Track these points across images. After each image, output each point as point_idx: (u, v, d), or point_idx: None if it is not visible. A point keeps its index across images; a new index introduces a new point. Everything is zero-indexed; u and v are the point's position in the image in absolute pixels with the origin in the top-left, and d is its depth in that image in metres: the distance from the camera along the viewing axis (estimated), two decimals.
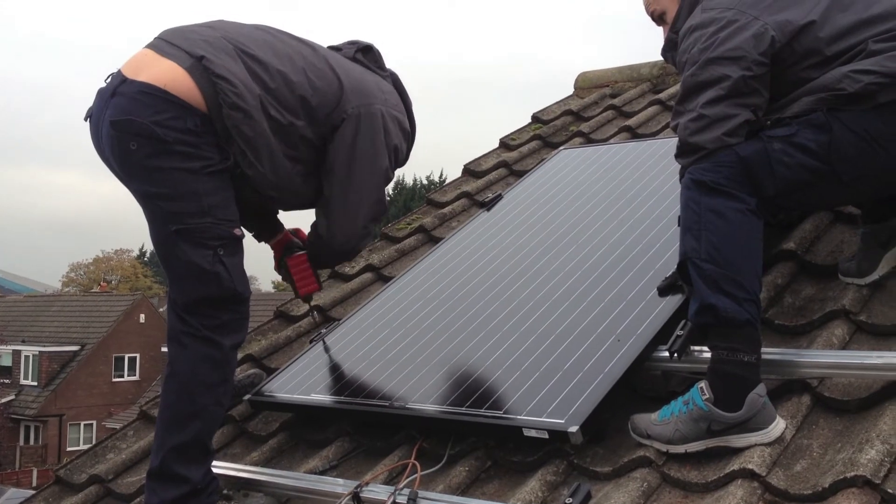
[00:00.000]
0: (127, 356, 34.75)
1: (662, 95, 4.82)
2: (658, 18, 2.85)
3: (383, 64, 3.15)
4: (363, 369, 2.95)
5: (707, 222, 2.30)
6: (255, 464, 2.85)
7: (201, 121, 2.63)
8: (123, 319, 34.73)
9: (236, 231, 2.72)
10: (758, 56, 2.34)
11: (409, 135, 3.12)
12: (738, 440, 2.17)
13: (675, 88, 4.88)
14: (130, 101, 2.61)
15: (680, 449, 2.23)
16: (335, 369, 3.01)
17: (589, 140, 4.60)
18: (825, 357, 2.28)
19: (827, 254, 2.87)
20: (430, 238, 4.11)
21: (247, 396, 3.06)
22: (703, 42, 2.43)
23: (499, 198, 3.94)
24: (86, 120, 2.78)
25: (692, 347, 2.42)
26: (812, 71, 2.34)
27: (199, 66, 2.65)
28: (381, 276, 3.89)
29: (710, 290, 2.24)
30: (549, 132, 4.91)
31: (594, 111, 5.08)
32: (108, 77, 2.75)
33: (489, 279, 3.24)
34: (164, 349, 29.51)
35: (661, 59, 5.22)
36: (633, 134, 4.46)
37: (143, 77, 2.63)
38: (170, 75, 2.63)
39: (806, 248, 2.89)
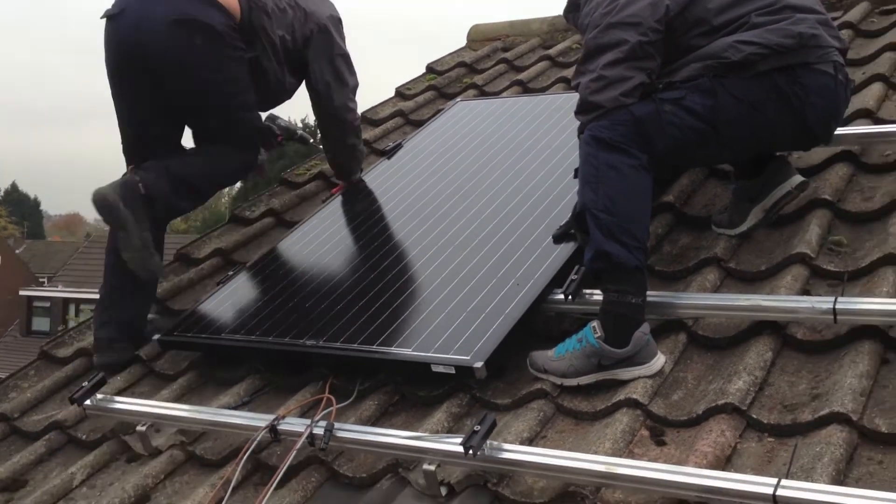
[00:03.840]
0: None
1: (552, 51, 5.03)
2: None
3: None
4: (273, 310, 3.07)
5: (604, 176, 2.52)
6: (166, 401, 2.94)
7: (235, 21, 3.24)
8: None
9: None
10: (654, 23, 2.55)
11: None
12: (624, 373, 2.42)
13: (563, 45, 5.11)
14: (187, 3, 3.14)
15: (573, 382, 2.47)
16: (245, 310, 3.13)
17: (482, 92, 4.78)
18: (699, 299, 2.54)
19: (702, 206, 3.15)
20: (331, 184, 4.22)
21: (155, 336, 3.14)
22: (605, 7, 2.63)
23: (399, 146, 4.09)
24: (107, 19, 3.19)
25: (584, 290, 2.65)
26: (700, 39, 2.58)
27: None
28: (281, 221, 3.99)
29: (604, 237, 2.47)
30: (443, 83, 5.06)
31: (487, 64, 5.26)
32: None
33: (393, 224, 3.40)
34: (22, 292, 28.11)
35: (551, 15, 5.48)
36: (525, 88, 4.66)
37: None
38: None
39: (683, 201, 3.16)
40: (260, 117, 3.62)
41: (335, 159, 3.95)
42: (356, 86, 3.81)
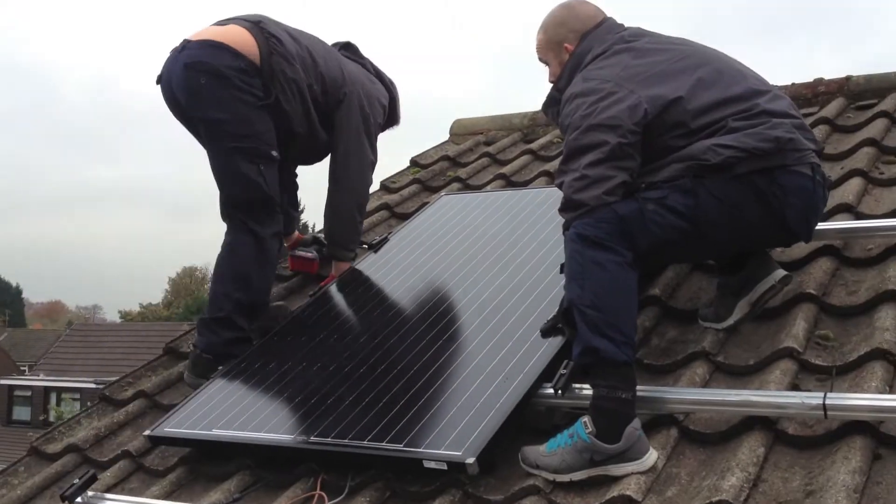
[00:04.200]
0: None
1: (534, 146, 5.13)
2: (544, 63, 3.12)
3: (361, 54, 4.15)
4: (263, 405, 3.07)
5: (590, 273, 2.57)
6: (156, 498, 2.91)
7: (250, 64, 3.50)
8: None
9: (273, 153, 3.61)
10: (632, 125, 2.64)
11: (391, 99, 4.13)
12: (617, 469, 2.42)
13: (545, 139, 5.23)
14: (198, 50, 3.51)
15: (566, 478, 2.47)
16: (235, 405, 3.12)
17: (467, 186, 4.86)
18: (690, 394, 2.56)
19: (687, 299, 3.20)
20: (318, 277, 4.25)
21: (147, 432, 3.13)
22: (585, 109, 2.72)
23: (385, 240, 4.14)
24: (157, 83, 3.63)
25: (574, 385, 2.67)
26: (679, 140, 2.67)
27: (256, 27, 3.59)
28: None
29: (592, 333, 2.50)
30: (427, 176, 5.15)
31: (470, 157, 5.36)
32: (174, 48, 3.59)
33: (382, 318, 3.42)
34: (2, 381, 27.68)
35: (531, 110, 5.61)
36: (508, 181, 4.75)
37: (204, 36, 3.55)
38: (230, 33, 3.55)
39: (669, 294, 3.21)
40: (274, 186, 3.63)
41: (333, 230, 3.99)
42: (373, 163, 3.95)
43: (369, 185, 4.02)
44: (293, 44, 3.68)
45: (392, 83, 4.21)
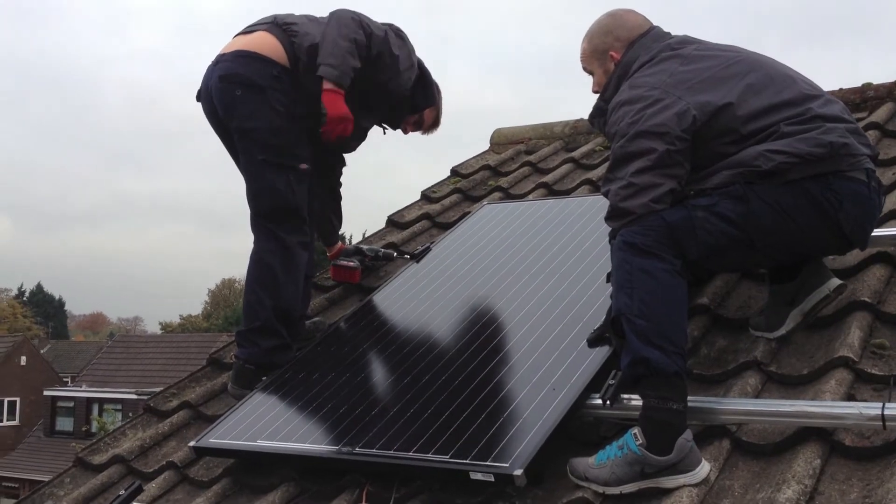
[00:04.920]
0: (7, 400, 33.26)
1: (576, 154, 5.10)
2: (588, 73, 3.09)
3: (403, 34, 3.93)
4: (307, 416, 3.06)
5: (638, 281, 2.53)
6: None
7: (282, 70, 3.56)
8: (3, 362, 33.26)
9: (303, 167, 3.62)
10: (680, 132, 2.59)
11: (423, 76, 3.96)
12: (668, 482, 2.37)
13: (587, 147, 5.19)
14: (231, 62, 3.58)
15: (615, 490, 2.43)
16: (279, 416, 3.11)
17: (508, 195, 4.84)
18: (743, 405, 2.51)
19: (737, 308, 3.14)
20: (360, 288, 4.25)
21: (192, 443, 3.13)
22: (632, 117, 2.68)
23: (427, 250, 4.12)
24: (198, 100, 3.73)
25: (622, 396, 2.63)
26: (729, 147, 2.62)
27: (274, 27, 3.65)
28: None
29: (642, 343, 2.46)
30: (468, 186, 5.13)
31: (511, 166, 5.33)
32: (210, 64, 3.68)
33: (426, 329, 3.40)
34: (46, 392, 28.31)
35: (573, 118, 5.58)
36: (550, 190, 4.72)
37: (235, 47, 3.62)
38: (256, 40, 3.61)
39: (718, 303, 3.16)
40: (302, 198, 3.61)
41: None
42: (382, 36, 3.66)
43: (360, 33, 3.59)
44: (310, 24, 3.68)
45: (423, 63, 3.99)
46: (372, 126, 3.98)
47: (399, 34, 3.82)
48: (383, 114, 3.96)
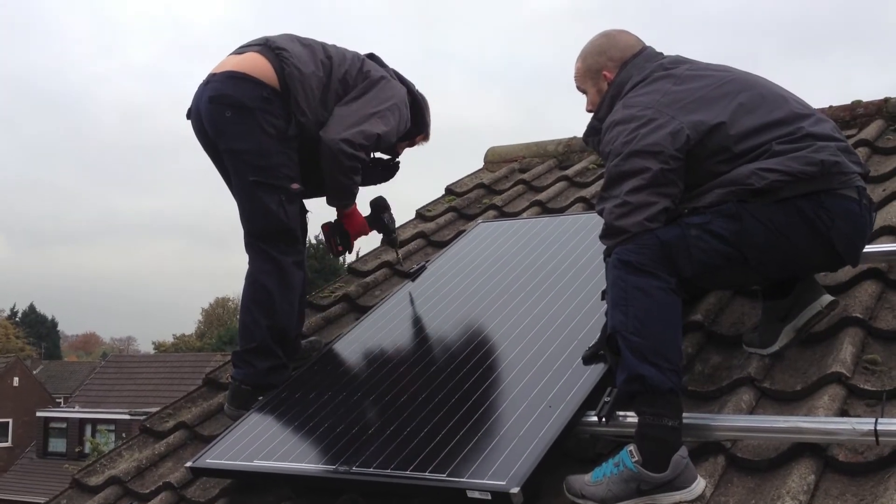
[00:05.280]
0: None
1: (569, 172, 5.13)
2: (582, 92, 3.12)
3: (384, 62, 4.05)
4: (305, 434, 3.06)
5: (633, 299, 2.55)
6: None
7: (272, 92, 3.55)
8: None
9: (294, 186, 3.61)
10: (674, 151, 2.62)
11: (415, 102, 4.01)
12: (664, 498, 2.38)
13: (580, 165, 5.22)
14: (221, 83, 3.57)
15: None
16: (277, 435, 3.12)
17: (502, 213, 4.86)
18: (737, 421, 2.52)
19: (730, 325, 3.16)
20: (355, 307, 4.26)
21: (188, 464, 3.13)
22: (626, 136, 2.71)
23: (423, 268, 4.13)
24: (188, 118, 3.72)
25: (618, 413, 2.64)
26: (722, 165, 2.65)
27: (266, 49, 3.65)
28: None
29: (637, 360, 2.48)
30: (463, 204, 5.15)
31: (505, 185, 5.36)
32: (201, 83, 3.67)
33: (422, 347, 3.42)
34: (39, 413, 28.17)
35: (566, 137, 5.61)
36: (544, 208, 4.75)
37: (226, 68, 3.61)
38: (248, 61, 3.61)
39: (712, 320, 3.18)
40: (294, 219, 3.61)
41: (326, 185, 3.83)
42: (375, 134, 3.69)
43: (358, 153, 3.66)
44: (301, 48, 3.71)
45: (416, 89, 4.08)
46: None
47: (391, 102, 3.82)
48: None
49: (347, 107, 3.73)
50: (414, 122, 4.01)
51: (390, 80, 3.90)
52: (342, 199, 3.81)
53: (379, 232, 4.11)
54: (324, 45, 3.83)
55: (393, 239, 4.20)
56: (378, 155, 4.06)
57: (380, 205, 4.07)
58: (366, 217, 4.00)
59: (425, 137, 4.20)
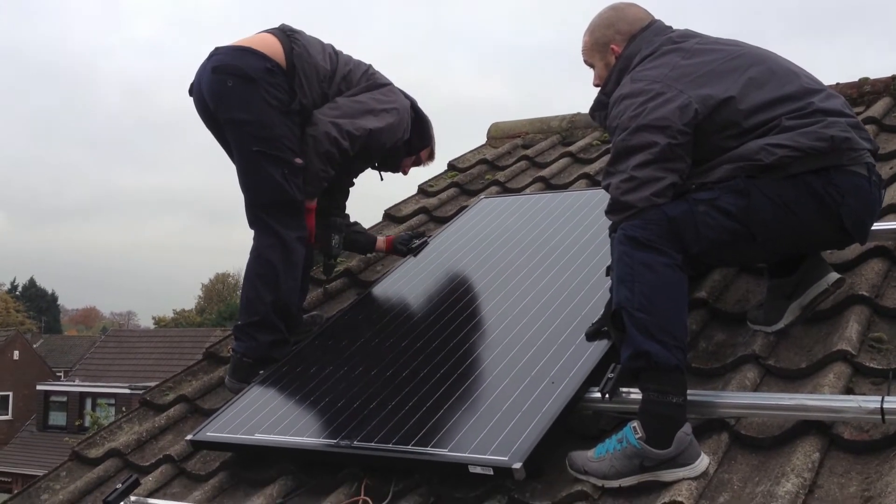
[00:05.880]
0: None
1: (573, 148, 5.09)
2: (589, 66, 3.08)
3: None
4: (305, 409, 3.05)
5: (639, 275, 2.53)
6: (198, 503, 2.90)
7: (276, 66, 3.54)
8: None
9: (297, 160, 3.58)
10: (682, 126, 2.59)
11: (416, 115, 3.97)
12: (667, 475, 2.37)
13: (584, 141, 5.18)
14: (226, 55, 3.58)
15: (614, 483, 2.43)
16: (278, 408, 3.10)
17: (505, 189, 4.83)
18: (742, 399, 2.51)
19: (735, 302, 3.14)
20: (357, 282, 4.24)
21: (189, 437, 3.12)
22: (633, 110, 2.67)
23: (425, 243, 4.11)
24: (190, 94, 3.69)
25: (621, 389, 2.63)
26: (730, 140, 2.61)
27: (279, 31, 3.67)
28: None
29: (643, 336, 2.46)
30: (465, 180, 5.12)
31: (508, 160, 5.33)
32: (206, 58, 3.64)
33: (424, 322, 3.40)
34: (39, 387, 28.23)
35: (570, 112, 5.57)
36: (547, 184, 4.71)
37: (233, 43, 3.62)
38: (256, 39, 3.63)
39: (716, 297, 3.16)
40: (299, 191, 3.56)
41: None
42: (367, 129, 3.66)
43: (341, 141, 3.63)
44: (312, 38, 3.73)
45: (418, 105, 4.03)
46: (364, 170, 4.04)
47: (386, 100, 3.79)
48: (379, 162, 3.99)
49: (347, 98, 3.73)
50: (418, 136, 3.98)
51: (394, 88, 3.90)
52: (307, 182, 3.65)
53: (319, 250, 4.01)
54: (332, 46, 3.83)
55: (329, 266, 4.10)
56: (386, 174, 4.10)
57: (334, 224, 3.96)
58: (317, 229, 3.85)
59: (430, 156, 4.18)
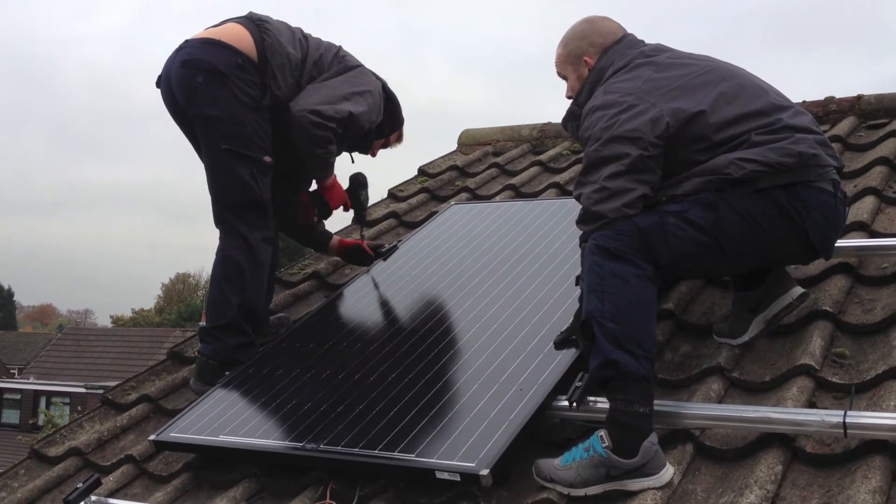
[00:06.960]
0: None
1: (543, 157, 5.13)
2: (563, 77, 3.10)
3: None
4: (272, 411, 3.03)
5: (610, 285, 2.55)
6: None
7: (247, 61, 3.49)
8: None
9: (267, 159, 3.53)
10: (654, 138, 2.62)
11: (388, 97, 3.91)
12: (633, 484, 2.39)
13: (554, 151, 5.22)
14: (196, 49, 3.51)
15: (580, 492, 2.44)
16: (243, 410, 3.08)
17: (475, 196, 4.85)
18: (707, 410, 2.53)
19: (701, 314, 3.17)
20: (325, 284, 4.23)
21: (152, 437, 3.09)
22: (606, 121, 2.70)
23: (394, 248, 4.11)
24: (157, 85, 3.62)
25: (589, 398, 2.64)
26: (700, 154, 2.65)
27: (247, 20, 3.61)
28: None
29: (612, 346, 2.48)
30: (436, 185, 5.13)
31: (478, 167, 5.35)
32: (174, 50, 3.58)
33: (393, 327, 3.40)
34: None
35: (540, 122, 5.60)
36: (517, 192, 4.73)
37: (202, 35, 3.56)
38: (225, 30, 3.56)
39: (683, 309, 3.19)
40: (266, 191, 3.53)
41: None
42: (347, 111, 3.59)
43: (329, 124, 3.57)
44: (281, 25, 3.69)
45: (388, 87, 3.98)
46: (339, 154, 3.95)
47: (360, 83, 3.76)
48: (351, 144, 3.93)
49: (321, 83, 3.68)
50: (388, 118, 3.94)
51: (366, 69, 3.87)
52: (319, 169, 3.73)
53: (353, 208, 4.04)
54: (301, 30, 3.79)
55: (362, 216, 4.15)
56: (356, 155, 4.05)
57: (359, 180, 4.01)
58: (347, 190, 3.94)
59: (399, 138, 4.14)
